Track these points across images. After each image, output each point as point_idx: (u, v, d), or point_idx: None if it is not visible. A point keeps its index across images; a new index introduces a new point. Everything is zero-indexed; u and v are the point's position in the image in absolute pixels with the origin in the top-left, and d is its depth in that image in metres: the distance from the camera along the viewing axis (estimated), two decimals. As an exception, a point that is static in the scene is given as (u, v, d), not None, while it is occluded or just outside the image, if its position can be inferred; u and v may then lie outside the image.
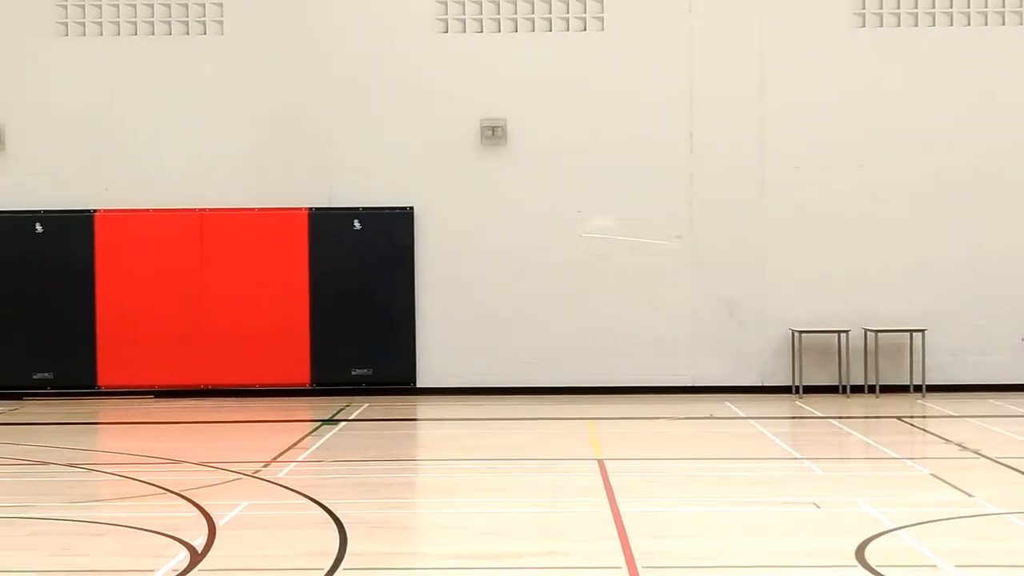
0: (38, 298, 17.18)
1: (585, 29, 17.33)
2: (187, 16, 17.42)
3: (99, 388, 17.24)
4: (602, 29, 17.31)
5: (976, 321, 17.08)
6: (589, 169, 17.23)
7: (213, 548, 8.31)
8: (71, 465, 11.91)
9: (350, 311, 17.18)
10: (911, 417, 15.06)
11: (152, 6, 17.41)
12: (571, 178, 17.24)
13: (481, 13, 17.36)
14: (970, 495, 9.94)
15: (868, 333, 16.98)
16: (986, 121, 17.15)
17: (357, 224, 17.22)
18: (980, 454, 12.03)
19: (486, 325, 17.24)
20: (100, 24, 17.44)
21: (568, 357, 17.21)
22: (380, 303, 17.20)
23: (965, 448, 12.43)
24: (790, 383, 17.08)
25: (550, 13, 17.32)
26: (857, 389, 16.97)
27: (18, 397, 17.18)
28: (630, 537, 8.49)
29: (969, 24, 17.20)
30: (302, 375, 17.21)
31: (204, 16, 17.41)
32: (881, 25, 17.25)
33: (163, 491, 10.31)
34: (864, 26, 17.25)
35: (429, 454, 13.41)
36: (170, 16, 17.42)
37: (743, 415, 15.17)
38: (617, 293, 17.22)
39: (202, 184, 17.28)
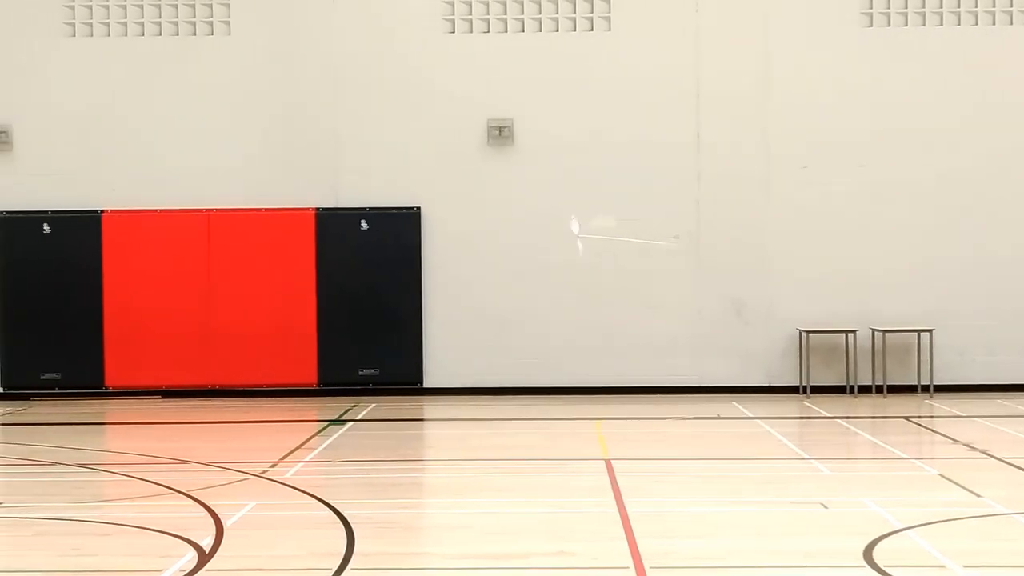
0: (46, 299, 17.20)
1: (592, 29, 17.32)
2: (194, 17, 17.44)
3: (107, 388, 17.26)
4: (609, 29, 17.30)
5: (984, 321, 17.05)
6: (596, 169, 17.23)
7: (221, 548, 8.31)
8: (79, 465, 11.92)
9: (357, 311, 17.19)
10: (919, 417, 15.03)
11: (159, 7, 17.43)
12: (578, 178, 17.23)
13: (488, 13, 17.36)
14: (978, 495, 9.92)
15: (875, 333, 16.96)
16: (992, 121, 17.12)
17: (364, 224, 17.23)
18: (988, 454, 12.01)
19: (493, 325, 17.24)
20: (107, 25, 17.46)
21: (575, 357, 17.20)
22: (387, 303, 17.21)
23: (973, 448, 12.41)
24: (797, 383, 17.06)
25: (557, 13, 17.32)
26: (864, 389, 16.95)
27: (26, 397, 17.21)
28: (637, 537, 8.49)
29: (976, 24, 17.17)
30: (309, 375, 17.22)
31: (211, 17, 17.43)
32: (888, 25, 17.23)
33: (171, 491, 10.32)
34: (871, 26, 17.23)
35: (436, 454, 13.41)
36: (177, 17, 17.44)
37: (750, 415, 15.16)
38: (624, 293, 17.21)
39: (209, 184, 17.29)
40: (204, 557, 8.04)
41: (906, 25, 17.21)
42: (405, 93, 17.32)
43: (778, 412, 15.47)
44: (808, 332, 16.91)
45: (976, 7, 17.15)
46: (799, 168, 17.20)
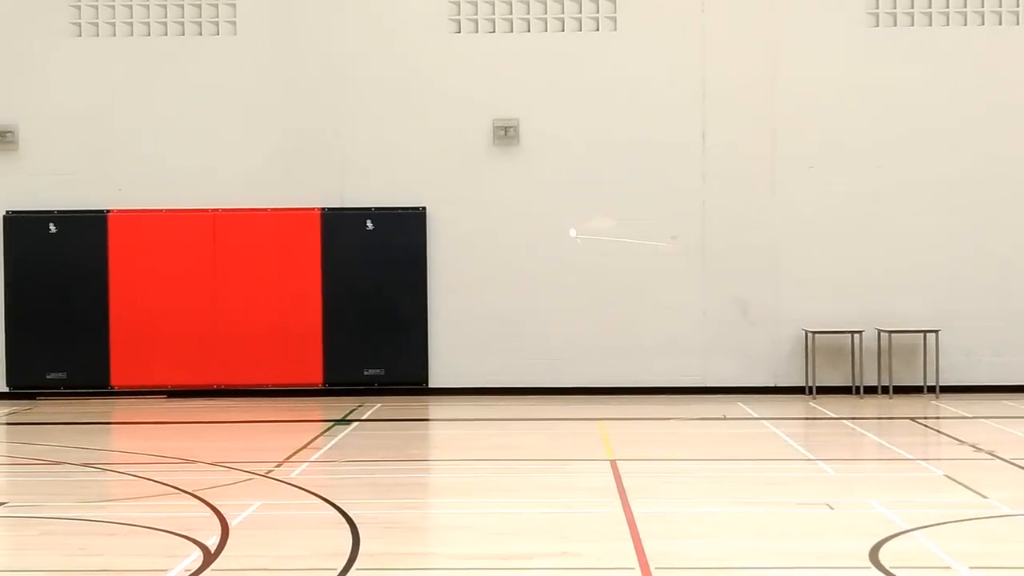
0: (52, 298, 17.22)
1: (598, 29, 17.31)
2: (200, 17, 17.45)
3: (112, 388, 17.27)
4: (615, 29, 17.29)
5: (990, 322, 17.03)
6: (601, 169, 17.22)
7: (226, 548, 8.31)
8: (84, 465, 11.93)
9: (363, 311, 17.19)
10: (925, 418, 15.01)
11: (165, 7, 17.44)
12: (583, 178, 17.23)
13: (493, 13, 17.35)
14: (984, 496, 9.91)
15: (881, 334, 16.94)
16: (1000, 121, 17.10)
17: (370, 224, 17.23)
18: (994, 455, 11.99)
19: (498, 325, 17.24)
20: (113, 25, 17.47)
21: (581, 357, 17.20)
22: (392, 303, 17.21)
23: (979, 449, 12.39)
24: (803, 384, 17.04)
25: (563, 13, 17.31)
26: (870, 390, 16.93)
27: (32, 397, 17.23)
28: (643, 538, 8.48)
29: (983, 24, 17.15)
30: (315, 375, 17.22)
31: (217, 17, 17.44)
32: (895, 25, 17.21)
33: (176, 491, 10.33)
34: (878, 26, 17.22)
35: (442, 454, 13.41)
36: (183, 17, 17.45)
37: (756, 416, 15.14)
38: (630, 294, 17.20)
39: (215, 184, 17.30)
40: (210, 557, 8.05)
41: (912, 25, 17.19)
42: (410, 93, 17.32)
43: (784, 413, 15.46)
44: (814, 333, 16.90)
45: (983, 7, 17.13)
46: (805, 169, 17.19)
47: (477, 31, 17.37)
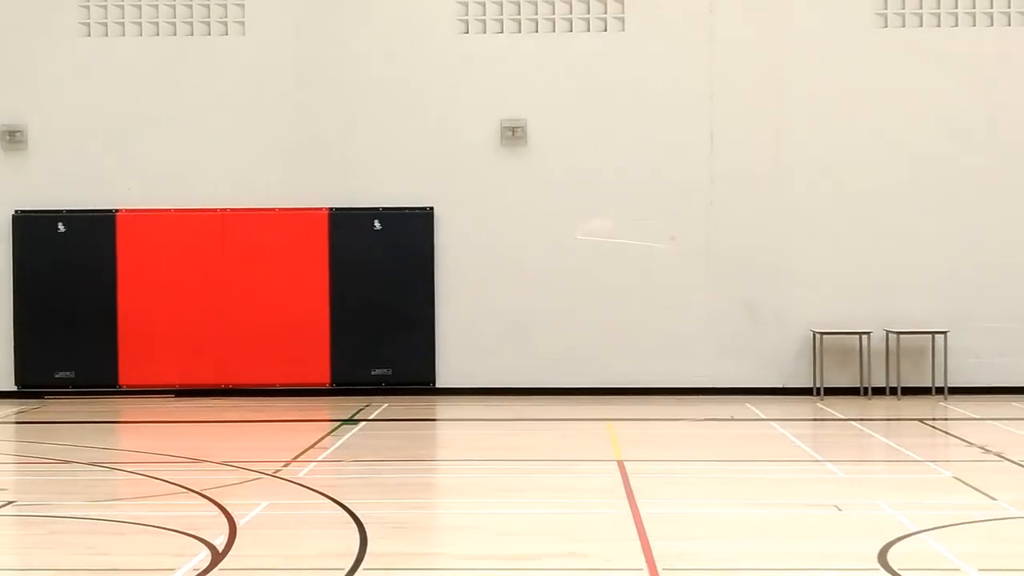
0: (60, 297, 17.24)
1: (606, 30, 17.31)
2: (209, 17, 17.47)
3: (120, 387, 17.29)
4: (623, 30, 17.28)
5: (999, 323, 16.99)
6: (608, 169, 17.22)
7: (234, 547, 8.32)
8: (93, 464, 11.95)
9: (370, 311, 17.20)
10: (933, 419, 14.99)
11: (174, 7, 17.46)
12: (590, 178, 17.22)
13: (502, 14, 17.35)
14: (993, 498, 9.89)
15: (890, 335, 16.91)
16: (1008, 123, 17.07)
17: (377, 224, 17.24)
18: (1003, 457, 11.96)
19: (506, 325, 17.24)
20: (122, 24, 17.49)
21: (588, 358, 17.19)
22: (400, 303, 17.21)
23: (988, 451, 12.37)
24: (811, 385, 17.02)
25: (571, 14, 17.30)
26: (878, 391, 16.90)
27: (40, 396, 17.25)
28: (650, 539, 8.47)
29: (992, 25, 17.12)
30: (322, 375, 17.23)
31: (226, 17, 17.46)
32: (903, 26, 17.18)
33: (184, 490, 10.34)
34: (886, 27, 17.19)
35: (449, 454, 13.41)
36: (192, 17, 17.47)
37: (763, 417, 15.13)
38: (637, 294, 17.19)
39: (223, 184, 17.32)
40: (217, 556, 8.05)
41: (921, 26, 17.17)
42: (418, 93, 17.33)
43: (791, 414, 15.44)
44: (822, 334, 16.88)
45: (991, 8, 17.09)
46: (812, 169, 17.16)
47: (485, 32, 17.37)
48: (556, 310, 17.22)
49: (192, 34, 17.48)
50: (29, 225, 17.34)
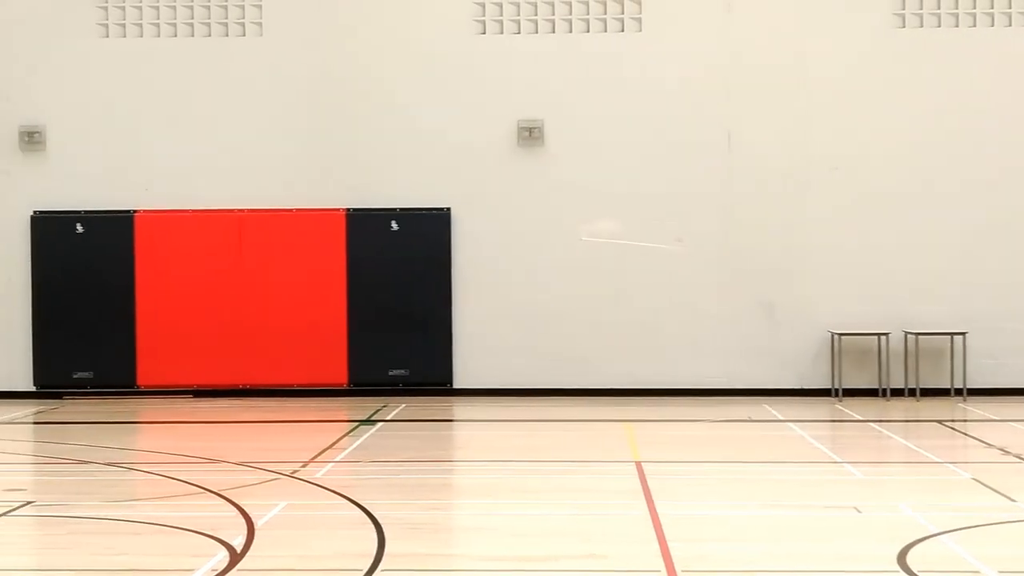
0: (78, 298, 17.29)
1: (623, 30, 17.28)
2: (226, 18, 17.50)
3: (138, 387, 17.34)
4: (640, 30, 17.26)
5: (1018, 324, 16.91)
6: (626, 169, 17.19)
7: (252, 548, 8.32)
8: (111, 464, 11.97)
9: (387, 312, 17.20)
10: (952, 421, 14.93)
11: (191, 8, 17.49)
12: (608, 178, 17.20)
13: (518, 14, 17.34)
14: (1013, 500, 9.84)
15: (908, 336, 16.85)
16: (1028, 122, 17.02)
17: (394, 225, 17.25)
18: (1022, 458, 11.90)
19: (523, 326, 17.22)
20: (140, 26, 17.54)
21: (605, 358, 17.16)
22: (417, 304, 17.22)
23: (1007, 452, 12.31)
24: (829, 386, 16.97)
25: (587, 14, 17.29)
26: (897, 392, 16.84)
27: (59, 396, 17.31)
28: (669, 541, 8.45)
29: (1010, 25, 17.05)
30: (339, 375, 17.25)
31: (243, 18, 17.48)
32: (921, 26, 17.12)
33: (202, 490, 10.35)
34: (904, 27, 17.13)
35: (466, 455, 13.41)
36: (209, 18, 17.50)
37: (781, 418, 15.09)
38: (654, 294, 17.16)
39: (241, 185, 17.35)
40: (236, 557, 8.06)
41: (939, 27, 17.10)
42: (436, 94, 17.32)
43: (810, 415, 15.40)
44: (840, 335, 16.82)
45: (1010, 8, 17.03)
46: (831, 169, 17.12)
47: (502, 32, 17.36)
48: (574, 311, 17.20)
49: (210, 35, 17.51)
50: (48, 226, 17.39)
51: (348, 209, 17.32)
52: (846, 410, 15.77)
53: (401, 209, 17.30)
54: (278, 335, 17.17)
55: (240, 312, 17.22)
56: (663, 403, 16.48)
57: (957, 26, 17.09)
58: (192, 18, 17.51)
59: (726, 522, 9.23)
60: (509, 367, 17.24)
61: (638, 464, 11.58)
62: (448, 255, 17.27)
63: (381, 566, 7.87)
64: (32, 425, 15.40)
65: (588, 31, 17.31)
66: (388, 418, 15.24)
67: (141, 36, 17.54)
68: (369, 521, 9.08)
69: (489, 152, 17.32)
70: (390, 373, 17.24)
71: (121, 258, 17.27)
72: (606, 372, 17.17)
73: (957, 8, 17.08)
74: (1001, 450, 12.46)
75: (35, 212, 17.46)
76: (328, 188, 17.34)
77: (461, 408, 16.43)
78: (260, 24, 17.48)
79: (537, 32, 17.34)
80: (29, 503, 10.06)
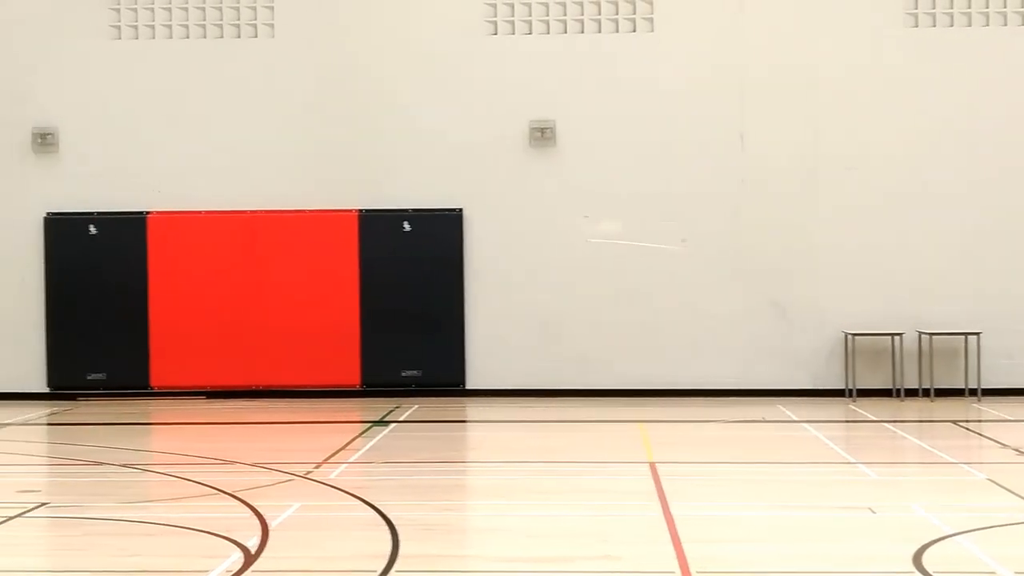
0: (92, 299, 17.32)
1: (635, 30, 17.26)
2: (238, 19, 17.52)
3: (152, 389, 17.36)
4: (652, 30, 17.24)
5: (1032, 324, 16.87)
6: (638, 169, 17.17)
7: (266, 549, 8.33)
8: (125, 465, 11.99)
9: (399, 313, 17.20)
10: (966, 421, 14.88)
11: (203, 9, 17.52)
12: (620, 179, 17.18)
13: (530, 15, 17.33)
14: (1028, 500, 9.81)
15: (922, 336, 16.80)
16: (1042, 121, 16.96)
17: (407, 226, 17.25)
18: (1038, 459, 11.88)
19: (536, 327, 17.21)
20: (152, 27, 17.57)
21: (618, 359, 17.14)
22: (429, 304, 17.21)
23: (1022, 453, 12.27)
24: (843, 386, 16.93)
25: (599, 14, 17.27)
26: (911, 392, 16.79)
27: (72, 397, 17.34)
28: (683, 542, 8.43)
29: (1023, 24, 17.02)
30: (352, 376, 17.25)
31: (255, 19, 17.50)
32: (934, 25, 17.07)
33: (216, 492, 10.35)
34: (917, 26, 17.09)
35: (479, 456, 13.40)
36: (221, 19, 17.52)
37: (795, 418, 15.05)
38: (667, 294, 17.14)
39: (253, 186, 17.37)
40: (250, 558, 8.06)
41: (952, 26, 17.05)
42: (447, 95, 17.32)
43: (823, 415, 15.36)
44: (854, 335, 16.78)
45: (1023, 7, 16.97)
46: (845, 169, 17.07)
47: (514, 33, 17.35)
48: (586, 311, 17.19)
49: (222, 36, 17.53)
50: (60, 227, 17.42)
51: (360, 210, 17.32)
52: (860, 410, 15.74)
53: (413, 210, 17.30)
54: (291, 336, 17.19)
55: (253, 313, 17.24)
56: (677, 404, 16.46)
57: (970, 25, 17.05)
58: (204, 19, 17.54)
59: (740, 523, 9.21)
60: (522, 367, 17.23)
61: (652, 465, 11.56)
62: (460, 255, 17.27)
63: (395, 567, 7.87)
64: (46, 426, 15.43)
65: (600, 31, 17.29)
66: (401, 419, 15.24)
67: (153, 38, 17.57)
68: (383, 522, 9.08)
69: (501, 153, 17.32)
70: (403, 374, 17.24)
71: (134, 259, 17.29)
72: (620, 372, 17.15)
73: (970, 8, 17.02)
74: (1016, 450, 12.42)
75: (48, 214, 17.50)
76: (340, 189, 17.34)
77: (474, 409, 16.42)
78: (272, 25, 17.49)
79: (549, 33, 17.33)
80: (43, 504, 10.07)
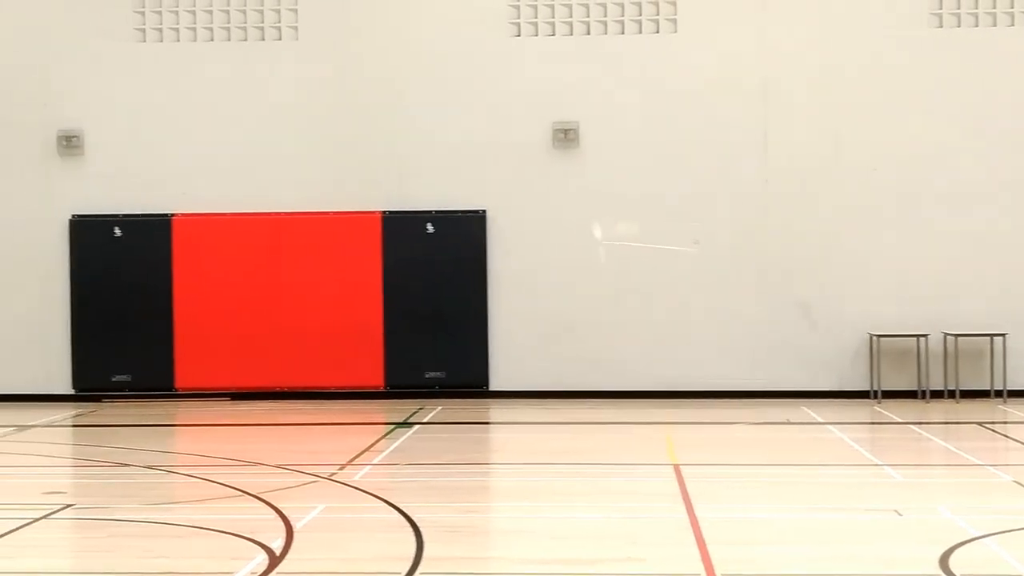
0: (117, 301, 17.39)
1: (658, 31, 17.23)
2: (262, 22, 17.56)
3: (176, 390, 17.42)
4: (675, 31, 17.21)
5: (1059, 325, 16.76)
6: (661, 170, 17.14)
7: (291, 551, 8.34)
8: (149, 467, 12.03)
9: (423, 314, 17.21)
10: (992, 423, 14.80)
11: (228, 12, 17.57)
12: (643, 180, 17.15)
13: (553, 16, 17.32)
14: (1056, 503, 9.75)
15: (948, 337, 16.72)
16: (1069, 121, 16.86)
17: (430, 227, 17.26)
18: (1065, 461, 11.80)
19: (559, 328, 17.19)
20: (177, 30, 17.63)
21: (642, 360, 17.11)
22: (453, 306, 17.22)
23: (1049, 455, 12.21)
24: (868, 388, 16.86)
25: (622, 15, 17.25)
26: (937, 394, 16.71)
27: (97, 399, 17.41)
28: (708, 543, 8.41)
29: (1051, 22, 16.91)
30: (376, 378, 17.27)
31: (279, 22, 17.54)
32: (959, 25, 16.99)
33: (241, 493, 10.38)
34: (941, 26, 17.01)
35: (504, 458, 13.40)
36: (246, 22, 17.57)
37: (821, 420, 15.00)
38: (690, 296, 17.10)
39: (278, 188, 17.41)
40: (275, 559, 8.07)
41: (976, 26, 16.97)
42: (470, 96, 17.33)
43: (849, 417, 15.30)
44: (879, 336, 16.71)
45: (1051, 6, 16.90)
46: (869, 170, 17.01)
47: (537, 34, 17.35)
48: (610, 312, 17.16)
49: (246, 39, 17.58)
50: (86, 229, 17.50)
51: (384, 212, 17.35)
52: (885, 412, 15.67)
53: (437, 211, 17.31)
54: (315, 338, 17.22)
55: (277, 315, 17.28)
56: (700, 405, 16.42)
57: (994, 25, 16.96)
58: (228, 22, 17.59)
59: (765, 525, 9.18)
60: (546, 369, 17.21)
61: (676, 467, 11.53)
62: (484, 257, 17.27)
63: (420, 569, 7.87)
64: (71, 428, 15.50)
65: (623, 32, 17.27)
66: (425, 420, 15.25)
67: (178, 40, 17.63)
68: (407, 524, 9.08)
69: (525, 154, 17.31)
70: (427, 375, 17.25)
71: (159, 261, 17.36)
72: (643, 374, 17.12)
73: (995, 8, 16.93)
74: (1043, 452, 12.35)
75: (73, 216, 17.58)
76: (364, 191, 17.37)
77: (498, 410, 16.42)
78: (296, 28, 17.53)
79: (572, 34, 17.32)
80: (69, 506, 10.11)
